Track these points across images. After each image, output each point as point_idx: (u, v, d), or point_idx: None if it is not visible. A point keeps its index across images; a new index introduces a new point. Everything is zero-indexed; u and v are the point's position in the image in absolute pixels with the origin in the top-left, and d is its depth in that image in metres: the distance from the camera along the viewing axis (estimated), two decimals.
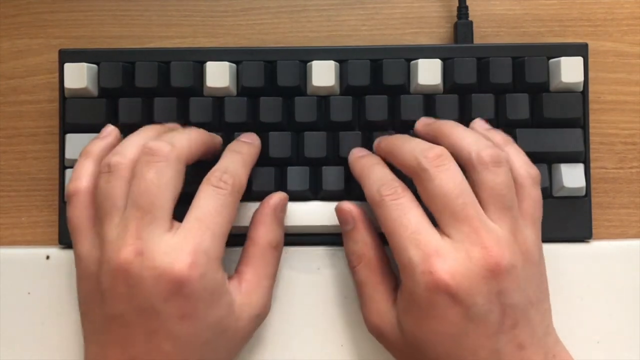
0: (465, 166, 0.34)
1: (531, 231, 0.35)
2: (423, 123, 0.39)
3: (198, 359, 0.33)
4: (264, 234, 0.37)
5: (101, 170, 0.35)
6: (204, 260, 0.32)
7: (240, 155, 0.37)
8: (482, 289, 0.32)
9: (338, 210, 0.38)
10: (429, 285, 0.32)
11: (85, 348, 0.35)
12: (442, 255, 0.32)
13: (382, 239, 0.36)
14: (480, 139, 0.35)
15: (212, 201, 0.34)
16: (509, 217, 0.33)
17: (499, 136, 0.38)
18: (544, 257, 0.35)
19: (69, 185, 0.36)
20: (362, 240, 0.37)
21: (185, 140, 0.35)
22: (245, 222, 0.39)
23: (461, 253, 0.32)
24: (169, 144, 0.34)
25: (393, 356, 0.36)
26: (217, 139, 0.39)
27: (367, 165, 0.37)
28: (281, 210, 0.38)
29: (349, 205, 0.37)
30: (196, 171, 0.36)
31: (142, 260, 0.32)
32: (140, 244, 0.32)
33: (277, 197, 0.38)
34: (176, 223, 0.33)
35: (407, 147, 0.35)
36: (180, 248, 0.32)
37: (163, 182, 0.33)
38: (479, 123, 0.39)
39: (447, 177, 0.33)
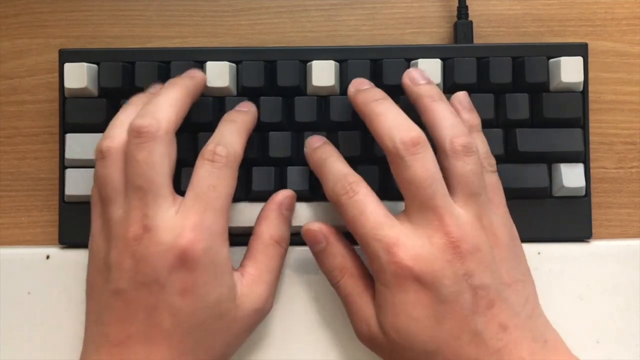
0: (438, 149, 0.35)
1: (497, 215, 0.35)
2: (411, 77, 0.37)
3: (194, 340, 0.34)
4: (266, 229, 0.37)
5: (95, 156, 0.36)
6: (206, 235, 0.33)
7: (234, 124, 0.37)
8: (447, 272, 0.33)
9: (306, 232, 0.37)
10: (395, 273, 0.33)
11: (86, 328, 0.35)
12: (402, 243, 0.33)
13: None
14: (456, 123, 0.35)
15: (208, 176, 0.34)
16: (475, 202, 0.34)
17: (470, 119, 0.38)
18: (518, 239, 0.36)
19: (96, 167, 0.36)
20: (340, 253, 0.37)
21: (169, 107, 0.35)
22: (246, 222, 0.39)
23: (423, 239, 0.33)
24: (154, 120, 0.34)
25: None
26: (199, 77, 0.38)
27: (320, 159, 0.37)
28: (287, 208, 0.38)
29: (315, 225, 0.37)
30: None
31: (149, 237, 0.33)
32: (147, 221, 0.33)
33: (283, 194, 0.38)
34: (178, 197, 0.34)
35: (385, 123, 0.35)
36: (182, 225, 0.33)
37: (157, 160, 0.34)
38: (460, 98, 0.38)
39: (420, 166, 0.33)
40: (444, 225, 0.33)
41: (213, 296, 0.34)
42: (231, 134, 0.36)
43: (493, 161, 0.37)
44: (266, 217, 0.38)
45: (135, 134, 0.34)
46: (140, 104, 0.37)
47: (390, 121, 0.35)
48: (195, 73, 0.39)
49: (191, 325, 0.33)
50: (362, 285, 0.36)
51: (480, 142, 0.37)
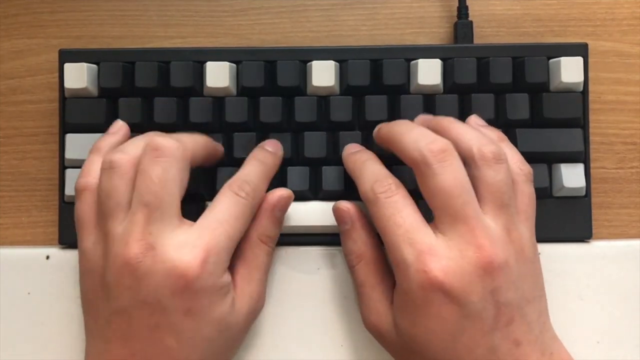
0: (465, 161, 0.34)
1: (525, 228, 0.35)
2: (422, 120, 0.38)
3: (198, 355, 0.33)
4: (254, 229, 0.37)
5: (103, 166, 0.35)
6: (215, 259, 0.33)
7: (263, 167, 0.37)
8: (476, 287, 0.32)
9: (335, 210, 0.38)
10: (423, 283, 0.32)
11: (87, 343, 0.35)
12: (435, 254, 0.32)
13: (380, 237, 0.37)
14: (481, 135, 0.35)
15: (232, 206, 0.34)
16: (505, 214, 0.33)
17: (493, 133, 0.38)
18: (538, 254, 0.35)
19: (78, 181, 0.36)
20: (361, 240, 0.37)
21: (192, 140, 0.36)
22: None
23: (454, 251, 0.32)
24: (175, 141, 0.34)
25: (391, 356, 0.36)
26: (220, 147, 0.39)
27: (359, 161, 0.37)
28: (280, 210, 0.37)
29: (346, 204, 0.37)
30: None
31: (153, 255, 0.32)
32: (151, 239, 0.32)
33: (279, 195, 0.37)
34: (186, 220, 0.34)
35: (410, 136, 0.34)
36: (194, 243, 0.32)
37: (170, 178, 0.33)
38: (474, 119, 0.39)
39: (449, 174, 0.33)
40: (476, 238, 0.32)
41: (216, 314, 0.33)
42: (259, 177, 0.36)
43: (529, 170, 0.36)
44: (257, 216, 0.37)
45: (153, 148, 0.34)
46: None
47: (416, 134, 0.34)
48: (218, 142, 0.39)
49: (195, 342, 0.33)
50: (377, 277, 0.36)
51: (511, 152, 0.36)
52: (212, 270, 0.33)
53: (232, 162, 0.39)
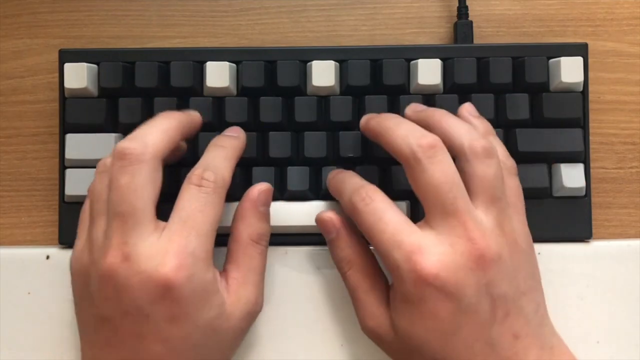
0: (456, 155, 0.34)
1: (517, 220, 0.35)
2: (413, 109, 0.38)
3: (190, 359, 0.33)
4: (243, 229, 0.36)
5: (96, 169, 0.36)
6: (190, 261, 0.32)
7: (223, 150, 0.36)
8: (470, 281, 0.32)
9: (318, 221, 0.37)
10: (416, 282, 0.32)
11: (81, 347, 0.35)
12: (424, 251, 0.32)
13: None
14: (471, 129, 0.35)
15: (194, 201, 0.33)
16: (497, 207, 0.33)
17: (482, 125, 0.37)
18: (533, 246, 0.36)
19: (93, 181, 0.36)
20: (348, 247, 0.36)
21: (159, 134, 0.34)
22: None
23: (445, 246, 0.32)
24: (141, 143, 0.33)
25: (391, 359, 0.36)
26: (195, 116, 0.38)
27: (339, 180, 0.37)
28: (263, 204, 0.37)
29: (328, 214, 0.37)
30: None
31: (128, 266, 0.32)
32: (126, 249, 0.32)
33: (258, 189, 0.37)
34: (161, 223, 0.33)
35: (399, 132, 0.34)
36: (165, 251, 0.32)
37: (139, 185, 0.32)
38: (467, 108, 0.38)
39: (439, 170, 0.33)
40: (468, 231, 0.32)
41: (203, 319, 0.33)
42: (219, 160, 0.35)
43: (513, 164, 0.37)
44: (241, 217, 0.36)
45: (120, 156, 0.33)
46: None
47: (405, 129, 0.34)
48: (191, 111, 0.38)
49: (184, 348, 0.33)
50: (369, 281, 0.36)
51: (498, 146, 0.37)
52: (189, 274, 0.32)
53: None
